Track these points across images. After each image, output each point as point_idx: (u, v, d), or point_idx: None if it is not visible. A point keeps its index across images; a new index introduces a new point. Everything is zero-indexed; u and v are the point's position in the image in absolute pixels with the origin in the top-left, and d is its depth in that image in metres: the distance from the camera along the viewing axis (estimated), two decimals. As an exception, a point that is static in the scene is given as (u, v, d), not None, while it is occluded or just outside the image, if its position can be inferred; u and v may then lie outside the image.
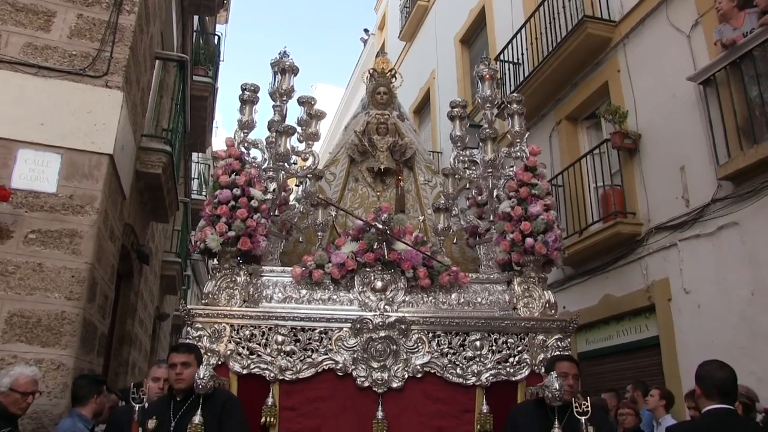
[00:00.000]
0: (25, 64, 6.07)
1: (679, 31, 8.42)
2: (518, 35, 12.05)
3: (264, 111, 6.27)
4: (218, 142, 22.83)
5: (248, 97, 5.77)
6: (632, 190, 9.01)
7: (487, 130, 5.92)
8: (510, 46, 12.26)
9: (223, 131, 31.99)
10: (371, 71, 7.45)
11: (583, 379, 9.63)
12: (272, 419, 4.81)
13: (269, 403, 4.85)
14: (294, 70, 5.90)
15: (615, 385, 8.23)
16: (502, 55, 12.54)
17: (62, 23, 6.37)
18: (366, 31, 29.60)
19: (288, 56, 5.92)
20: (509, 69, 12.33)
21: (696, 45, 8.10)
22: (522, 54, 11.94)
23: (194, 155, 17.48)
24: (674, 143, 8.27)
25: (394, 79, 7.38)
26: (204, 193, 18.94)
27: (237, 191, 5.21)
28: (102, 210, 5.91)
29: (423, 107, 18.80)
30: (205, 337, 4.99)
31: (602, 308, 9.45)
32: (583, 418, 4.18)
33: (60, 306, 5.49)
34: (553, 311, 5.42)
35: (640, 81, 9.14)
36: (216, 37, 15.37)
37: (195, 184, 18.57)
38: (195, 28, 13.93)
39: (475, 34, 15.90)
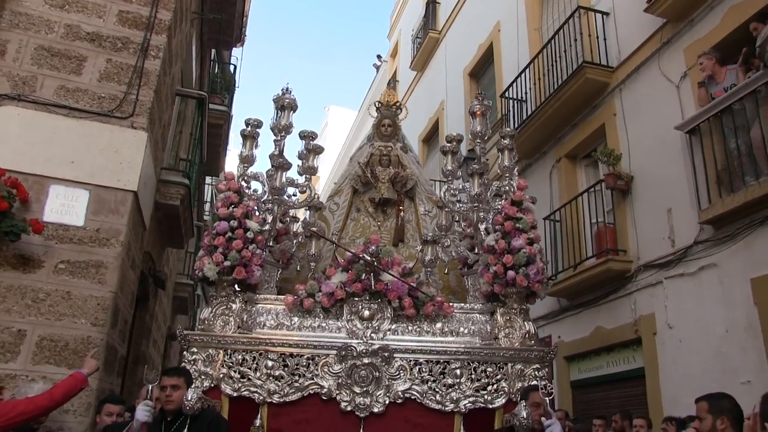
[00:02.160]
0: (58, 105, 6.60)
1: (670, 80, 8.93)
2: (523, 74, 12.57)
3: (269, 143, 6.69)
4: (230, 162, 23.43)
5: (249, 132, 6.20)
6: (624, 229, 9.49)
7: (475, 166, 6.22)
8: (515, 84, 12.79)
9: (235, 151, 32.43)
10: (377, 104, 7.78)
11: (574, 406, 10.16)
12: None
13: (257, 425, 5.23)
14: (293, 107, 6.33)
15: (604, 413, 8.62)
16: (507, 92, 13.08)
17: (92, 67, 6.90)
18: (379, 57, 30.22)
19: (290, 92, 6.36)
20: (514, 105, 12.84)
21: (684, 95, 8.60)
22: (526, 92, 12.46)
23: (207, 178, 18.00)
24: (663, 186, 8.76)
25: (399, 112, 7.69)
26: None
27: (234, 223, 5.62)
28: (126, 243, 6.43)
29: (432, 137, 19.33)
30: (199, 361, 5.43)
31: (594, 339, 9.91)
32: None
33: (86, 331, 5.98)
34: (532, 342, 5.64)
35: (634, 125, 9.65)
36: (232, 66, 15.94)
37: (207, 207, 19.10)
38: (212, 58, 14.51)
39: (483, 68, 16.46)
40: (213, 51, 14.31)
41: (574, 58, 10.79)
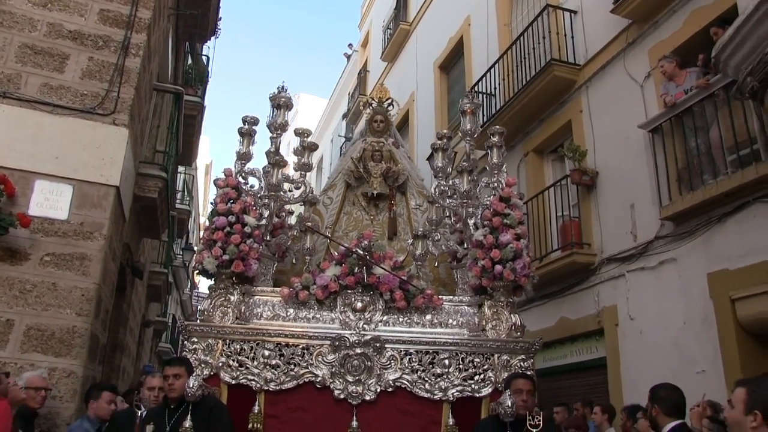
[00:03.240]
0: (42, 102, 6.78)
1: (634, 80, 9.27)
2: (492, 69, 12.86)
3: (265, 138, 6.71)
4: (201, 150, 23.54)
5: (246, 130, 6.34)
6: (588, 223, 9.85)
7: (465, 163, 6.38)
8: (485, 78, 13.08)
9: (205, 138, 32.45)
10: (369, 99, 7.90)
11: (540, 393, 10.50)
12: (258, 425, 5.36)
13: (255, 411, 5.40)
14: (288, 106, 6.49)
15: (567, 400, 9.00)
16: (477, 86, 13.35)
17: (75, 65, 7.07)
18: (350, 45, 30.31)
19: (285, 91, 6.50)
20: (484, 99, 13.10)
21: (648, 94, 8.94)
22: (495, 87, 12.75)
23: (179, 167, 18.09)
24: (626, 183, 9.11)
25: (391, 108, 7.84)
26: (186, 203, 19.65)
27: (232, 218, 5.79)
28: (108, 236, 6.63)
29: (401, 128, 19.45)
30: (199, 350, 5.59)
31: (558, 329, 10.27)
32: (534, 431, 4.78)
33: (71, 321, 6.21)
34: (518, 333, 5.85)
35: (599, 122, 9.98)
36: (205, 57, 16.05)
37: (179, 195, 19.20)
38: (186, 49, 14.60)
39: (453, 61, 16.68)
40: (186, 43, 14.41)
41: (542, 55, 11.09)
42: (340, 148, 25.79)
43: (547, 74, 10.67)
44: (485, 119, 12.60)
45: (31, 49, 6.96)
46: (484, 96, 13.09)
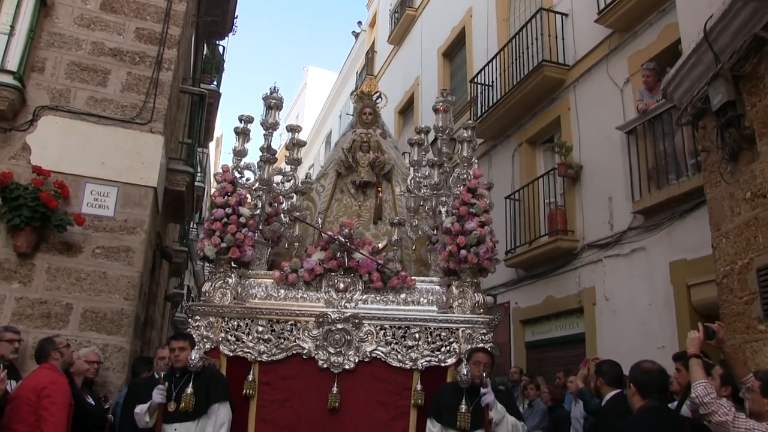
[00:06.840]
0: (89, 114, 7.77)
1: (615, 84, 10.22)
2: (492, 62, 13.77)
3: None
4: (217, 132, 24.47)
5: (242, 129, 7.12)
6: (573, 212, 10.89)
7: (435, 158, 7.20)
8: (485, 70, 14.00)
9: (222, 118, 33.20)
10: (359, 93, 8.65)
11: (528, 363, 11.61)
12: (252, 392, 6.16)
13: (250, 379, 6.21)
14: (279, 106, 7.32)
15: (551, 370, 10.07)
16: (477, 78, 14.27)
17: (116, 79, 8.03)
18: (359, 23, 30.89)
19: (277, 91, 7.33)
20: (483, 90, 14.04)
21: (626, 98, 9.91)
22: (494, 80, 13.67)
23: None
24: (605, 178, 10.13)
25: (379, 101, 8.55)
26: (202, 182, 20.65)
27: (229, 210, 6.58)
28: (149, 230, 7.69)
29: (407, 109, 20.43)
30: (202, 327, 6.42)
31: (545, 306, 11.40)
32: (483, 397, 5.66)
33: (119, 305, 7.31)
34: (481, 310, 6.41)
35: (584, 121, 10.96)
36: (221, 47, 16.92)
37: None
38: (204, 43, 15.48)
39: (456, 50, 17.52)
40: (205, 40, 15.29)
41: (536, 54, 12.01)
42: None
43: (538, 74, 11.60)
44: (485, 109, 13.56)
45: (78, 66, 7.91)
46: (484, 87, 14.01)
